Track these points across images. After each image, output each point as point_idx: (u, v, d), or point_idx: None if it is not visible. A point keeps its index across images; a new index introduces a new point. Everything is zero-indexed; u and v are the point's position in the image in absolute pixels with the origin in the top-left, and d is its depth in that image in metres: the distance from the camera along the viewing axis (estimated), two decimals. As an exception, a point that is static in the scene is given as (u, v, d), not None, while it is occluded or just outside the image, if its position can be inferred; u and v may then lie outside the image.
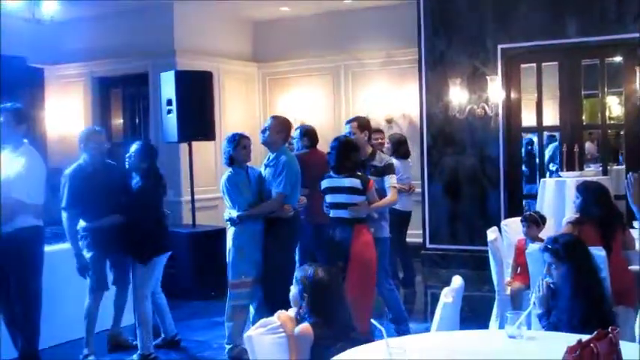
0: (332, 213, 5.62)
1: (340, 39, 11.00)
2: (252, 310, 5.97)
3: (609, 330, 2.50)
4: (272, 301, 5.59)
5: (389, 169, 5.98)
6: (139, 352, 6.00)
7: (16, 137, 5.01)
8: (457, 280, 4.01)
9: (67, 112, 11.39)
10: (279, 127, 5.99)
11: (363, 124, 6.32)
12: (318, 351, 3.24)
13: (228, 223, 5.92)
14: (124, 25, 10.53)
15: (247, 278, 5.83)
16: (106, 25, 10.69)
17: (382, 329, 2.77)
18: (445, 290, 3.86)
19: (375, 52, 10.74)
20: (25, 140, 5.06)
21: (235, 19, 11.34)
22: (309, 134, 7.42)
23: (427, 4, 9.74)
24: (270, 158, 5.94)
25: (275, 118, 6.19)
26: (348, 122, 6.48)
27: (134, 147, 6.17)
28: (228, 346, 5.91)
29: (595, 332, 2.49)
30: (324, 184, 5.64)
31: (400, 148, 8.29)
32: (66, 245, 6.32)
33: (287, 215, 5.84)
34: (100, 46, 10.81)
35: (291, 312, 3.51)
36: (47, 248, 5.61)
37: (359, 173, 5.58)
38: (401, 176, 7.51)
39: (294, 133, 7.63)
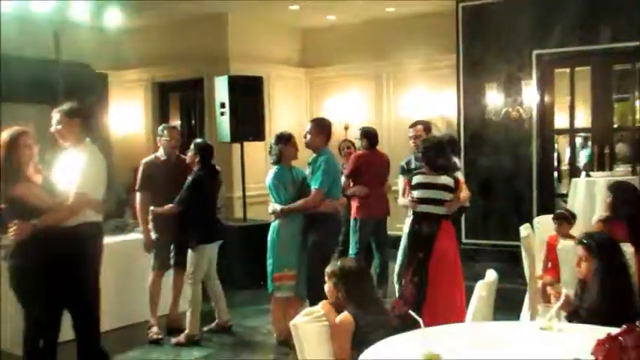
0: (420, 208, 5.51)
1: (382, 46, 10.95)
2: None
3: (637, 324, 2.46)
4: (313, 292, 5.61)
5: (455, 167, 6.05)
6: (186, 331, 6.12)
7: (74, 136, 4.91)
8: (491, 275, 3.98)
9: (129, 114, 11.55)
10: (318, 129, 6.01)
11: (427, 127, 6.44)
12: (359, 338, 3.25)
13: (273, 215, 5.98)
14: (181, 33, 10.63)
15: (290, 271, 5.86)
16: (165, 33, 10.81)
17: (419, 319, 2.76)
18: (480, 284, 3.83)
19: (415, 58, 10.67)
20: (88, 138, 5.07)
21: (284, 28, 11.36)
22: (367, 136, 7.41)
23: (465, 13, 9.69)
24: (312, 159, 5.95)
25: (313, 121, 6.23)
26: (412, 126, 6.53)
27: (192, 145, 6.32)
28: (276, 332, 5.97)
29: (623, 326, 2.45)
30: (417, 179, 5.55)
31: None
32: (127, 236, 6.47)
33: (331, 210, 5.84)
34: (160, 53, 10.92)
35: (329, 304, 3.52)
36: (107, 240, 5.67)
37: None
38: None
39: (356, 134, 7.69)
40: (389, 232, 7.56)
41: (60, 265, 4.56)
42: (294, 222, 5.88)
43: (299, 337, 3.24)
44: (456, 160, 6.37)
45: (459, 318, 5.49)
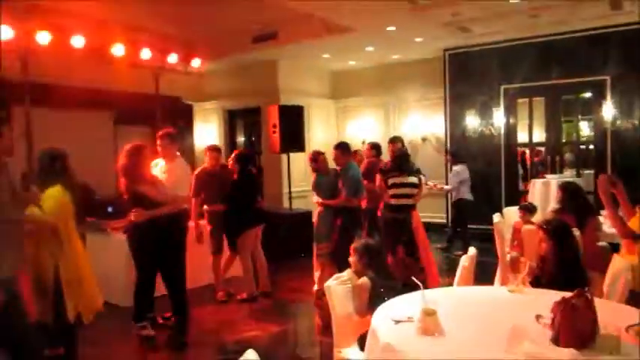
0: (395, 201, 5.61)
1: (389, 83, 10.85)
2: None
3: (584, 289, 2.35)
4: (340, 260, 5.55)
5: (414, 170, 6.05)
6: (248, 292, 6.06)
7: (171, 152, 5.09)
8: (471, 251, 3.87)
9: (207, 134, 11.61)
10: (341, 151, 5.96)
11: (402, 142, 6.52)
12: (374, 298, 3.18)
13: (316, 205, 6.00)
14: (245, 74, 10.64)
15: (325, 243, 5.83)
16: (233, 74, 10.84)
17: (419, 283, 2.67)
18: (463, 257, 3.73)
19: (413, 92, 10.58)
20: (178, 153, 5.15)
21: (318, 70, 11.32)
22: (375, 147, 7.36)
23: (450, 58, 9.59)
24: (341, 169, 5.92)
25: (335, 148, 6.04)
26: (391, 142, 6.58)
27: (233, 155, 6.20)
28: (315, 288, 5.91)
29: (574, 291, 2.34)
30: (392, 180, 5.61)
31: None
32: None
33: (352, 206, 5.81)
34: (229, 89, 10.98)
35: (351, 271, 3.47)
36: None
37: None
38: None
39: (363, 146, 7.65)
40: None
41: (164, 238, 4.72)
42: (329, 212, 5.83)
43: (330, 295, 3.21)
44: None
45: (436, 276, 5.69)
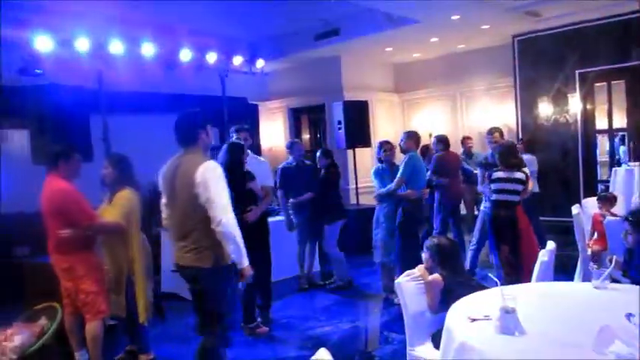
0: (498, 197, 5.11)
1: (455, 73, 10.56)
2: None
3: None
4: (402, 258, 5.42)
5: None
6: (337, 280, 6.25)
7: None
8: (551, 244, 3.67)
9: (272, 132, 11.76)
10: (408, 137, 5.75)
11: (501, 133, 6.19)
12: (446, 294, 3.09)
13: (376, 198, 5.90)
14: (308, 72, 10.69)
15: (383, 240, 5.72)
16: (297, 73, 10.91)
17: (497, 280, 2.56)
18: (542, 251, 3.54)
19: (480, 81, 10.25)
20: (249, 151, 5.24)
21: (382, 64, 11.20)
22: (442, 141, 7.18)
23: (519, 45, 9.18)
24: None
25: (405, 133, 5.89)
26: (490, 132, 6.23)
27: (319, 151, 6.38)
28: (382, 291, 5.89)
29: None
30: (496, 175, 5.11)
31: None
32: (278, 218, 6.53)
33: (412, 197, 5.55)
34: (294, 87, 11.07)
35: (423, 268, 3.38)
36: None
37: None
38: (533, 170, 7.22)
39: (431, 139, 7.50)
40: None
41: (255, 232, 4.76)
42: (390, 206, 5.71)
43: (402, 292, 3.15)
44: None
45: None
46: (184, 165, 3.22)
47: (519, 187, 5.04)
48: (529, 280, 4.47)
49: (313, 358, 1.98)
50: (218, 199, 3.08)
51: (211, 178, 3.10)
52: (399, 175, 5.53)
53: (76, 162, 4.05)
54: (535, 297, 2.85)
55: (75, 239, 3.92)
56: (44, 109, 5.05)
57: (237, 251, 3.12)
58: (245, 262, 3.16)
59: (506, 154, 5.12)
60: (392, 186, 5.54)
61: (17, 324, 4.87)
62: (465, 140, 8.37)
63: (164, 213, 3.44)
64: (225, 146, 4.94)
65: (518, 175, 5.05)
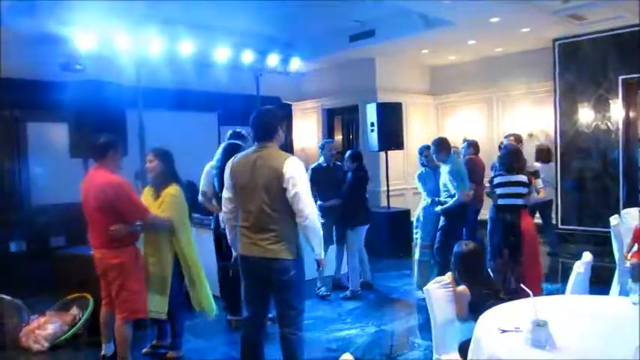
0: (501, 201, 5.07)
1: (492, 77, 10.35)
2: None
3: None
4: (440, 261, 5.38)
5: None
6: (350, 288, 6.09)
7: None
8: (587, 256, 3.54)
9: (305, 132, 11.77)
10: (439, 148, 5.67)
11: (518, 138, 6.06)
12: (474, 305, 3.01)
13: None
14: (342, 73, 10.65)
15: (425, 242, 5.70)
16: (331, 73, 10.88)
17: (529, 291, 2.47)
18: (578, 263, 3.42)
19: (518, 85, 10.02)
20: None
21: (417, 66, 11.07)
22: (474, 145, 7.10)
23: (560, 49, 8.92)
24: (444, 165, 5.68)
25: (434, 144, 5.75)
26: (507, 137, 6.13)
27: (347, 153, 6.25)
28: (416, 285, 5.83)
29: None
30: (497, 179, 5.10)
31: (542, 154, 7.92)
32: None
33: (467, 200, 5.56)
34: (327, 88, 11.04)
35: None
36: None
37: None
38: (543, 177, 6.98)
39: (462, 144, 7.38)
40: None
41: None
42: (432, 206, 5.73)
43: (430, 298, 3.08)
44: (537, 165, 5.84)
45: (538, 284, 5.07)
46: (266, 158, 3.28)
47: (523, 190, 4.98)
48: (535, 289, 4.31)
49: (337, 361, 1.95)
50: (305, 194, 3.22)
51: (300, 173, 3.23)
52: (464, 187, 5.45)
53: (120, 154, 4.04)
54: (569, 310, 2.75)
55: (127, 234, 3.87)
56: (83, 104, 5.13)
57: (319, 244, 3.31)
58: (323, 253, 3.36)
59: (506, 158, 5.10)
60: (461, 198, 5.45)
61: (50, 313, 5.01)
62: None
63: (226, 207, 3.46)
64: (221, 147, 4.93)
65: (520, 177, 4.99)
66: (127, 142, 5.60)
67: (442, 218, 5.58)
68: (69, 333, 4.80)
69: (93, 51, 6.51)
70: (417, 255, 5.88)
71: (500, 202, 5.06)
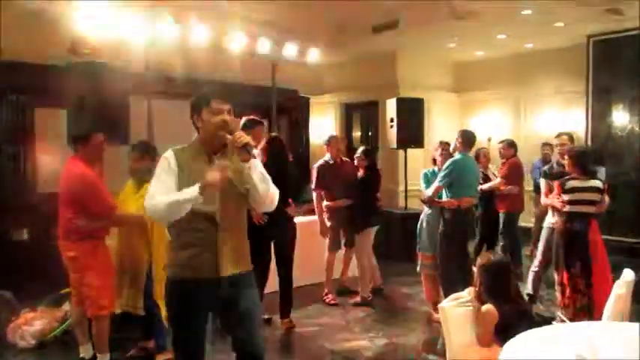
0: (572, 208, 4.47)
1: (520, 74, 9.83)
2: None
3: None
4: (444, 274, 4.89)
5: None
6: (360, 294, 5.73)
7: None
8: (629, 275, 3.07)
9: (323, 127, 11.39)
10: (458, 137, 5.14)
11: (571, 137, 5.51)
12: (501, 328, 2.58)
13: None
14: (362, 67, 10.25)
15: (427, 253, 5.16)
16: (350, 67, 10.48)
17: (565, 319, 2.06)
18: (618, 282, 2.98)
19: (547, 83, 9.51)
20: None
21: (440, 61, 10.61)
22: (514, 145, 6.76)
23: (595, 46, 8.40)
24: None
25: (459, 131, 5.27)
26: (558, 136, 5.62)
27: (359, 149, 5.84)
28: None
29: None
30: (570, 184, 4.47)
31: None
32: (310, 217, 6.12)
33: (450, 207, 4.89)
34: (346, 82, 10.68)
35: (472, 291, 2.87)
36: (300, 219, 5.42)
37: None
38: None
39: (489, 144, 7.00)
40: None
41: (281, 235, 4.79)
42: (432, 214, 5.15)
43: (445, 319, 2.67)
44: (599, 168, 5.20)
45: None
46: None
47: (597, 197, 4.42)
48: (601, 306, 3.65)
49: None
50: None
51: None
52: (436, 181, 4.96)
53: (98, 144, 3.80)
54: (614, 340, 2.32)
55: (87, 228, 3.71)
56: (83, 89, 4.85)
57: None
58: None
59: (582, 159, 4.49)
60: (428, 192, 5.01)
61: (41, 308, 4.75)
62: (544, 146, 8.07)
63: None
64: None
65: (595, 182, 4.44)
66: (129, 131, 5.33)
67: (441, 223, 5.00)
68: (58, 330, 4.53)
69: (102, 35, 6.22)
70: (419, 267, 5.28)
71: (570, 209, 4.47)
